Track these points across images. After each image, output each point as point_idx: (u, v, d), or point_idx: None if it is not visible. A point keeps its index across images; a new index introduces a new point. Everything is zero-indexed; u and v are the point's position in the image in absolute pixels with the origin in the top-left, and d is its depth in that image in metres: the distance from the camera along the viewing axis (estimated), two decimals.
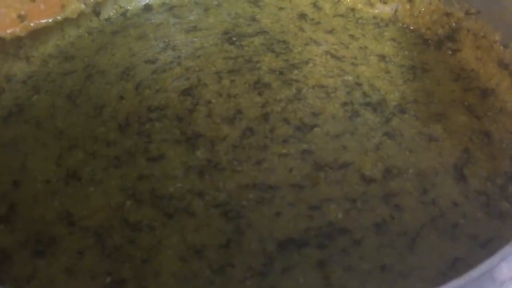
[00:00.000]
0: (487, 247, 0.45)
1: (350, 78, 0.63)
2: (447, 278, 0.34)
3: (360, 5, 0.76)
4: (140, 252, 0.46)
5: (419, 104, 0.60)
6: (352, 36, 0.71)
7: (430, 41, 0.70)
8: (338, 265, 0.45)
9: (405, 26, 0.73)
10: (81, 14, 0.70)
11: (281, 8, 0.77)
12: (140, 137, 0.57)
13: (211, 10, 0.77)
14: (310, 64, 0.66)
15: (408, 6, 0.73)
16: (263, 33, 0.72)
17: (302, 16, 0.76)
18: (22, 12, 0.60)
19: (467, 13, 0.66)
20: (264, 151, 0.54)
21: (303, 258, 0.45)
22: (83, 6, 0.68)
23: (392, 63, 0.66)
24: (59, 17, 0.63)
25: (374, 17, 0.75)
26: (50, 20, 0.63)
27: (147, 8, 0.79)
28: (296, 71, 0.64)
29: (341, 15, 0.76)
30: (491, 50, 0.62)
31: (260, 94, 0.61)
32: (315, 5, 0.77)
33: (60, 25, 0.70)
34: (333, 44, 0.70)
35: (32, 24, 0.61)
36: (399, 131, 0.57)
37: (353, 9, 0.76)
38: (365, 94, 0.61)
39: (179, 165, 0.54)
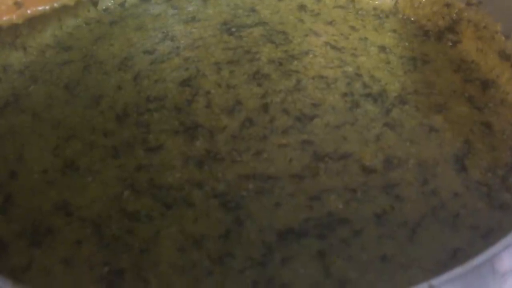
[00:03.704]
0: (487, 238, 0.45)
1: (350, 69, 0.63)
2: (447, 268, 0.34)
3: None
4: (138, 242, 0.46)
5: (420, 95, 0.60)
6: (352, 27, 0.71)
7: (430, 32, 0.70)
8: (338, 255, 0.44)
9: (405, 17, 0.73)
10: (79, 3, 0.70)
11: None
12: (138, 128, 0.56)
13: (210, 1, 0.77)
14: (310, 55, 0.65)
15: None
16: (262, 24, 0.71)
17: (302, 7, 0.75)
18: None
19: (467, 4, 0.66)
20: (263, 142, 0.54)
21: (303, 249, 0.45)
22: None
23: (393, 54, 0.66)
24: (56, 5, 0.63)
25: (375, 8, 0.75)
26: (47, 8, 0.62)
27: None
28: (295, 62, 0.64)
29: (341, 6, 0.75)
30: (492, 41, 0.62)
31: (259, 85, 0.61)
32: None
33: (57, 15, 0.69)
34: (333, 35, 0.69)
35: (28, 12, 0.60)
36: (399, 121, 0.56)
37: (353, 0, 0.76)
38: (365, 85, 0.61)
39: (178, 155, 0.53)
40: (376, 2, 0.75)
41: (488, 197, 0.49)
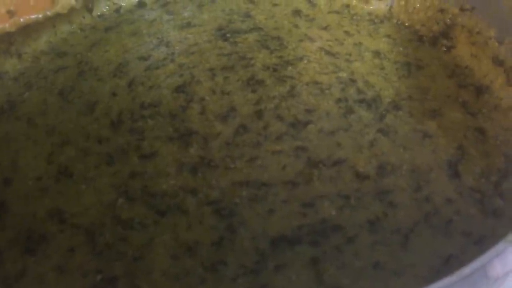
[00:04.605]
0: (480, 244, 0.45)
1: (345, 74, 0.63)
2: (440, 275, 0.34)
3: (355, 1, 0.76)
4: (131, 250, 0.46)
5: (414, 100, 0.60)
6: (346, 33, 0.71)
7: (424, 38, 0.70)
8: (331, 262, 0.44)
9: (400, 22, 0.73)
10: (73, 10, 0.70)
11: (275, 5, 0.77)
12: (132, 134, 0.56)
13: (205, 7, 0.77)
14: (304, 61, 0.65)
15: (403, 3, 0.73)
16: (257, 29, 0.71)
17: (297, 12, 0.75)
18: (12, 8, 0.59)
19: (461, 9, 0.66)
20: (257, 148, 0.54)
21: (296, 256, 0.45)
22: (73, 1, 0.67)
23: (387, 60, 0.66)
24: (49, 13, 0.63)
25: (369, 14, 0.75)
26: (40, 16, 0.62)
27: (141, 4, 0.78)
28: (290, 68, 0.64)
29: (336, 12, 0.75)
30: (486, 47, 0.62)
31: (253, 91, 0.61)
32: (309, 1, 0.77)
33: (52, 22, 0.69)
34: (328, 40, 0.69)
35: (21, 20, 0.61)
36: (393, 127, 0.56)
37: (348, 6, 0.76)
38: (359, 91, 0.61)
39: (171, 162, 0.53)
40: (371, 8, 0.75)
41: (481, 204, 0.49)
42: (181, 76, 0.63)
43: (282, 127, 0.56)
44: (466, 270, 0.34)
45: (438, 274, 0.42)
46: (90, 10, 0.74)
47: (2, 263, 0.46)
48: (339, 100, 0.59)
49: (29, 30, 0.66)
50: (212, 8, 0.76)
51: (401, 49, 0.68)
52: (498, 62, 0.60)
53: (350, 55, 0.67)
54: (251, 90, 0.61)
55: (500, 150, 0.54)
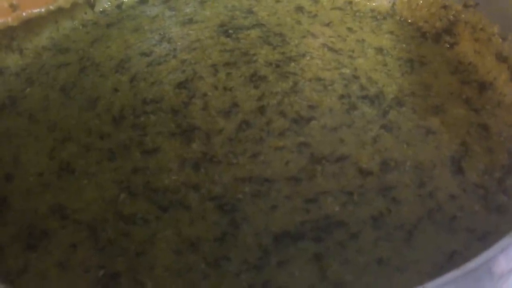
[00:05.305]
0: (484, 240, 0.45)
1: (348, 71, 0.63)
2: (444, 271, 0.34)
3: None
4: (134, 246, 0.46)
5: (417, 97, 0.60)
6: (349, 29, 0.71)
7: (427, 34, 0.70)
8: (334, 258, 0.44)
9: (402, 19, 0.73)
10: (75, 6, 0.70)
11: (278, 1, 0.77)
12: (134, 130, 0.56)
13: (207, 3, 0.77)
14: (307, 57, 0.65)
15: None
16: (259, 25, 0.71)
17: (299, 8, 0.75)
18: (14, 2, 0.59)
19: (465, 5, 0.66)
20: (260, 144, 0.54)
21: (299, 252, 0.45)
22: None
23: (390, 56, 0.66)
24: (51, 7, 0.63)
25: (372, 10, 0.74)
26: (42, 10, 0.62)
27: (143, 0, 0.78)
28: (292, 64, 0.64)
29: (339, 8, 0.75)
30: (489, 43, 0.62)
31: (256, 87, 0.61)
32: None
33: (54, 17, 0.69)
34: (331, 37, 0.69)
35: (24, 14, 0.61)
36: (396, 124, 0.56)
37: (350, 2, 0.76)
38: (362, 87, 0.61)
39: (174, 158, 0.53)
40: (374, 4, 0.75)
41: (485, 200, 0.49)
42: (183, 72, 0.63)
43: (285, 123, 0.56)
44: (471, 265, 0.34)
45: (441, 270, 0.42)
46: (92, 6, 0.74)
47: (4, 259, 0.46)
48: (342, 96, 0.59)
49: (31, 24, 0.65)
50: (214, 4, 0.76)
51: (404, 45, 0.68)
52: (501, 58, 0.60)
53: (353, 51, 0.66)
54: (253, 86, 0.61)
55: (504, 146, 0.54)
